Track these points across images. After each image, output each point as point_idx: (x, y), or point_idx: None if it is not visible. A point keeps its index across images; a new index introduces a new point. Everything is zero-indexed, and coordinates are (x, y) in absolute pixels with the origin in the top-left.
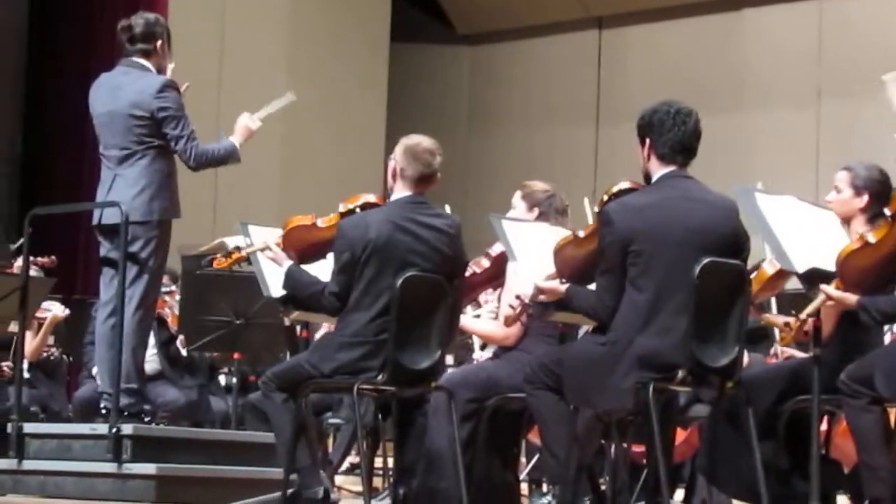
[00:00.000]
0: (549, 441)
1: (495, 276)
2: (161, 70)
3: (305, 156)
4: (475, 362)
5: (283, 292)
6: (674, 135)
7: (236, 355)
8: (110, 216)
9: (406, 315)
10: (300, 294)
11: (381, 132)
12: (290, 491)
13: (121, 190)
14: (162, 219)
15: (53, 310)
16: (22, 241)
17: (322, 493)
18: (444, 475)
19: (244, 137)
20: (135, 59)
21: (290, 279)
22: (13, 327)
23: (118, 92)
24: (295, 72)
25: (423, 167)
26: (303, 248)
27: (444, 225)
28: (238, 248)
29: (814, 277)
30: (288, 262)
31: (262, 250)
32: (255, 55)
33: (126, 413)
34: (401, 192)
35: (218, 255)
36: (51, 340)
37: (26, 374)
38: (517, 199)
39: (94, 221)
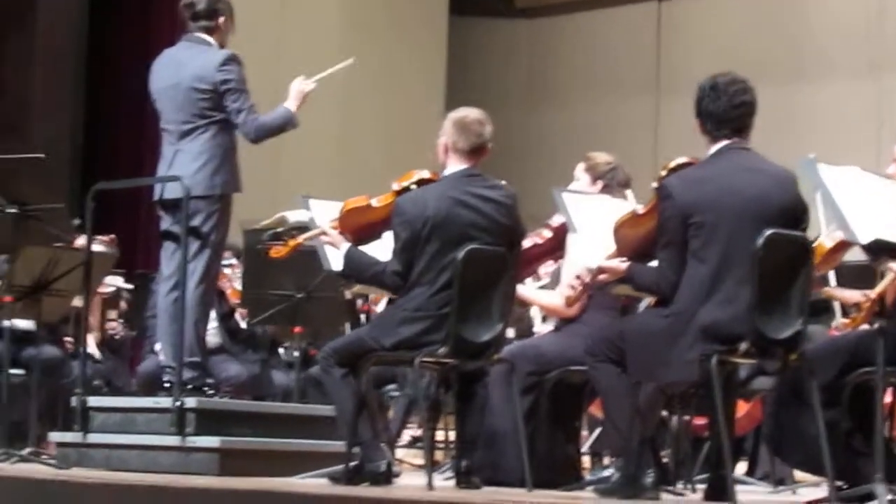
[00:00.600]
0: (611, 414)
1: (556, 247)
2: (223, 46)
3: (363, 132)
4: (536, 335)
5: (342, 268)
6: (715, 107)
7: (297, 329)
8: (172, 191)
9: (468, 288)
10: (361, 275)
11: (439, 107)
12: (352, 464)
13: (182, 164)
14: (223, 193)
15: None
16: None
17: (384, 467)
18: (506, 448)
19: (298, 101)
20: (197, 34)
21: (350, 261)
22: (77, 302)
23: (181, 66)
24: (351, 48)
25: (474, 138)
26: (359, 229)
27: (501, 196)
28: (295, 236)
29: (878, 249)
30: (346, 245)
31: (319, 236)
32: (311, 31)
33: (189, 386)
34: (454, 166)
35: (276, 244)
36: (113, 315)
37: (94, 351)
38: (580, 171)
39: (156, 196)
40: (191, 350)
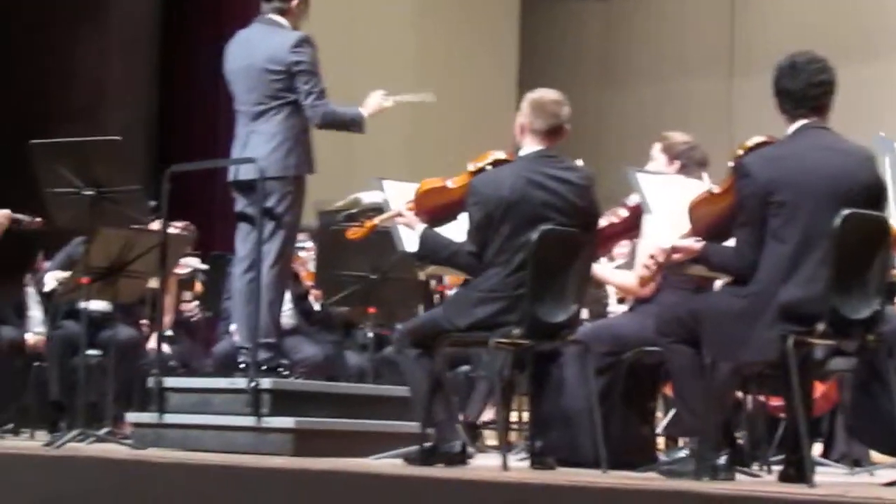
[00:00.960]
0: (682, 395)
1: (632, 226)
2: (296, 29)
3: (436, 113)
4: (611, 315)
5: (417, 249)
6: (794, 86)
7: (371, 310)
8: (246, 172)
9: (543, 269)
10: (437, 256)
11: (512, 88)
12: (426, 445)
13: (256, 145)
14: (297, 174)
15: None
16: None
17: (459, 448)
18: (580, 429)
19: (373, 111)
20: (271, 16)
21: (426, 242)
22: (153, 283)
23: (254, 47)
24: (424, 30)
25: (551, 119)
26: (434, 210)
27: (577, 177)
28: (371, 218)
29: None
30: (421, 226)
31: (394, 217)
32: (383, 14)
33: (264, 367)
34: (530, 146)
35: (352, 226)
36: (188, 296)
37: (168, 332)
38: (657, 151)
39: (230, 177)
40: (266, 331)
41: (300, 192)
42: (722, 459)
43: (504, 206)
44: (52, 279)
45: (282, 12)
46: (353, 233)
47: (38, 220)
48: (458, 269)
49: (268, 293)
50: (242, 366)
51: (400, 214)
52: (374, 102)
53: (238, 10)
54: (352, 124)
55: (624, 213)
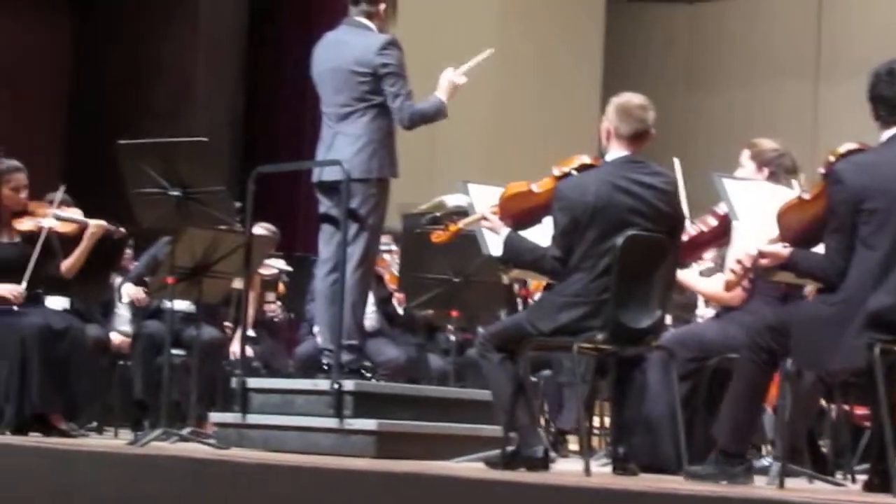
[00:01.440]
0: (739, 405)
1: (721, 234)
2: (383, 31)
3: (519, 116)
4: (698, 320)
5: (502, 253)
6: (890, 93)
7: (454, 313)
8: (331, 173)
9: (627, 274)
10: (521, 260)
11: (596, 92)
12: (509, 449)
13: (341, 147)
14: (381, 177)
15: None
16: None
17: (541, 452)
18: (663, 434)
19: (449, 93)
20: (357, 18)
21: (510, 246)
22: (237, 284)
23: (342, 49)
24: (508, 32)
25: (636, 124)
26: (519, 214)
27: (662, 183)
28: (455, 221)
29: None
30: (506, 230)
31: (479, 221)
32: (469, 18)
33: (347, 369)
34: (616, 151)
35: (437, 229)
36: (272, 297)
37: (251, 333)
38: (745, 158)
39: (314, 178)
40: (349, 333)
41: (384, 194)
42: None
43: (590, 210)
44: (126, 294)
45: (369, 15)
46: (438, 236)
47: (123, 231)
48: (543, 273)
49: (351, 295)
50: (325, 367)
51: (484, 218)
52: (447, 84)
53: (325, 11)
54: (437, 114)
55: (713, 221)
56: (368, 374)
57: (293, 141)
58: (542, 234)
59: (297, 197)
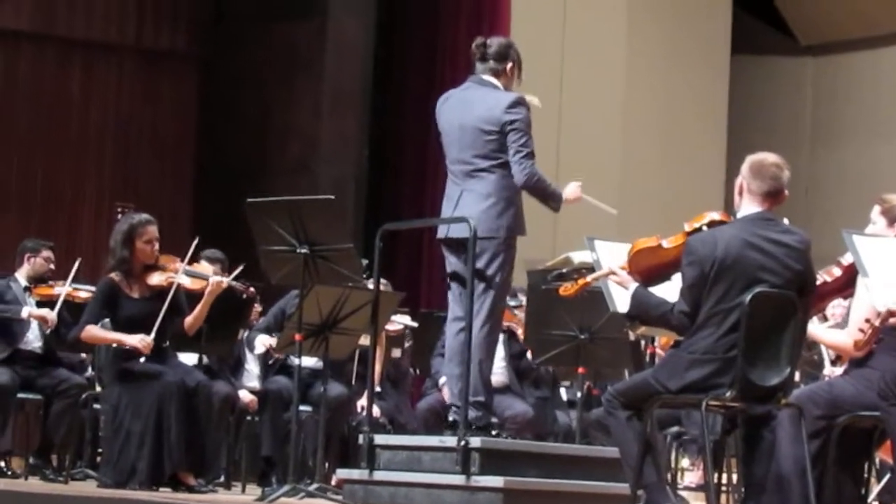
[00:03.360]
0: None
1: (846, 285)
2: (508, 90)
3: (644, 171)
4: (826, 378)
5: (629, 308)
6: None
7: (580, 369)
8: (458, 230)
9: (756, 331)
10: (648, 315)
11: (721, 147)
12: None
13: (469, 204)
14: (508, 235)
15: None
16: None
17: None
18: (792, 492)
19: (569, 197)
20: (485, 76)
21: (638, 301)
22: (363, 340)
23: (469, 106)
24: (632, 85)
25: (770, 182)
26: (648, 270)
27: (794, 241)
28: (584, 275)
29: None
30: (634, 285)
31: (607, 275)
32: (593, 71)
33: (474, 426)
34: (748, 208)
35: (564, 283)
36: (398, 353)
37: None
38: (876, 214)
39: (440, 235)
40: (475, 390)
41: (511, 251)
42: None
43: (719, 266)
44: (261, 344)
45: (496, 73)
46: (566, 289)
47: (252, 290)
48: (669, 328)
49: (478, 352)
50: (451, 422)
51: (613, 272)
52: (571, 190)
53: (448, 66)
54: (551, 197)
55: (837, 271)
56: (495, 431)
57: (416, 197)
58: (670, 290)
59: (421, 253)
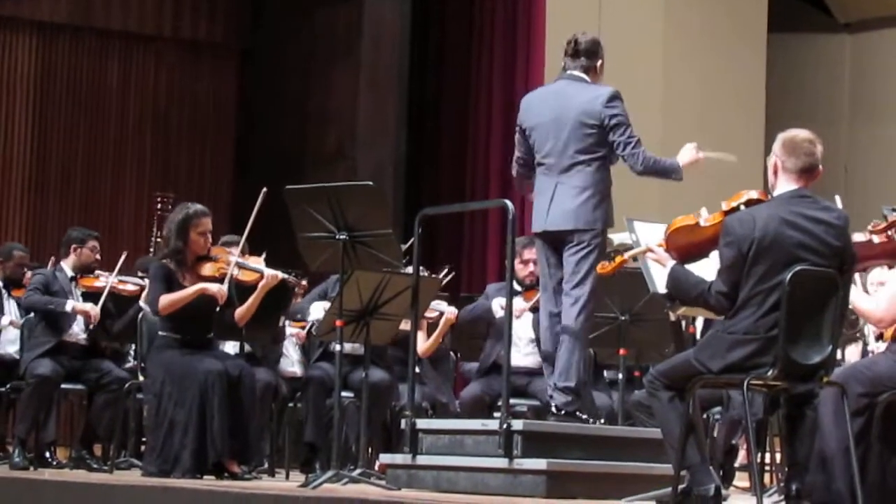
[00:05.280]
0: None
1: (893, 252)
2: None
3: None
4: (870, 354)
5: (666, 284)
6: None
7: (622, 351)
8: (556, 223)
9: (797, 310)
10: (686, 295)
11: (760, 125)
12: (680, 487)
13: (565, 198)
14: (603, 228)
15: (445, 311)
16: (412, 241)
17: (713, 491)
18: (836, 471)
19: (688, 161)
20: (576, 73)
21: (675, 280)
22: (404, 325)
23: (565, 101)
24: (671, 66)
25: (804, 158)
26: (686, 248)
27: (832, 218)
28: (621, 253)
29: None
30: (671, 263)
31: (645, 253)
32: (630, 51)
33: (563, 411)
34: (784, 186)
35: (602, 262)
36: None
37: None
38: None
39: (536, 229)
40: (566, 375)
41: (604, 243)
42: None
43: (756, 245)
44: (320, 308)
45: (586, 70)
46: (603, 267)
47: (304, 284)
48: (707, 308)
49: (575, 342)
50: (553, 405)
51: (650, 250)
52: (687, 154)
53: (485, 50)
54: (672, 171)
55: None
56: (585, 417)
57: (455, 183)
58: (709, 267)
59: (461, 239)
